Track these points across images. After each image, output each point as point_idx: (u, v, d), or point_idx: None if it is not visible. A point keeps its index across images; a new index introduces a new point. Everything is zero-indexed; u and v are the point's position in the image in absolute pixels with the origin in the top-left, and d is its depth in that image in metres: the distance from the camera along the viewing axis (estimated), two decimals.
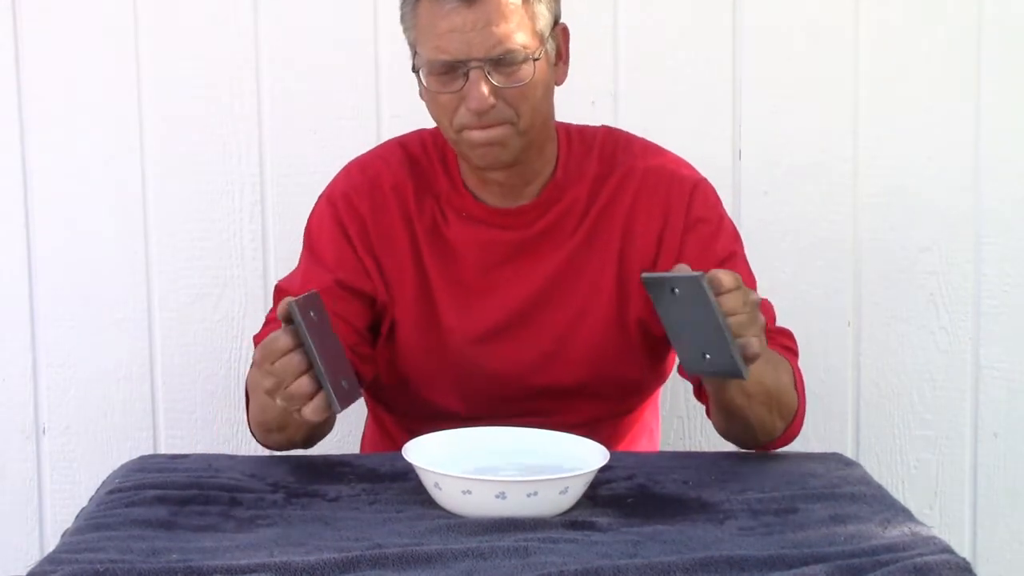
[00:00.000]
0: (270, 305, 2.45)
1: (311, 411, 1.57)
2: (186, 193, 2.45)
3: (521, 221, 1.91)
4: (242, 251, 2.46)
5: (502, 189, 1.90)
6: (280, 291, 1.92)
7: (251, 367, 1.82)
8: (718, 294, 1.56)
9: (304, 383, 1.55)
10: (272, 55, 2.43)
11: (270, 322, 1.92)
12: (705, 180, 1.95)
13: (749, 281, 1.87)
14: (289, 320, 1.56)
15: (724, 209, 1.96)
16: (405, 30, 1.84)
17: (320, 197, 1.97)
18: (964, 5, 2.42)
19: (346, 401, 1.58)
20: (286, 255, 2.42)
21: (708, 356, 1.57)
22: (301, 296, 1.56)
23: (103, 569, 1.38)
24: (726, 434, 1.88)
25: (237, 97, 2.43)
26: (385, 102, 2.40)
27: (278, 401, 1.59)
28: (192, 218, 2.45)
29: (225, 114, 2.43)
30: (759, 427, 1.81)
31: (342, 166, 2.00)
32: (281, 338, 1.55)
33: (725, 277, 1.57)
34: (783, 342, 1.89)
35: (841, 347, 2.49)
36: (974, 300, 2.48)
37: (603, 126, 2.00)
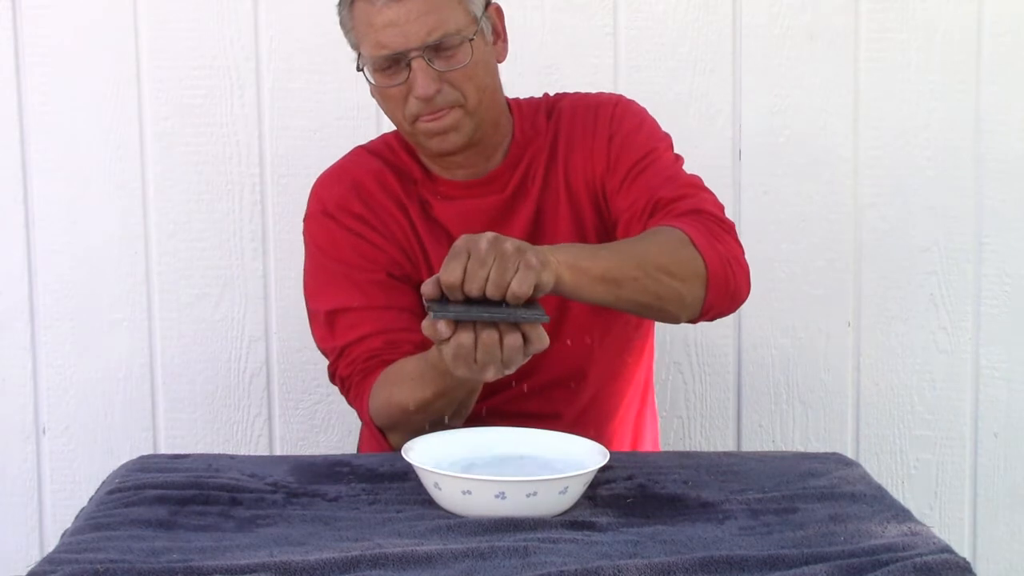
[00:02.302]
0: (270, 305, 2.47)
1: (538, 344, 1.60)
2: (186, 193, 2.45)
3: (495, 187, 1.97)
4: (242, 251, 2.46)
5: (465, 171, 1.96)
6: (332, 314, 1.92)
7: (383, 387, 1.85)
8: (448, 290, 1.58)
9: (511, 340, 1.58)
10: (272, 55, 2.43)
11: (340, 351, 1.92)
12: (627, 99, 2.01)
13: (671, 168, 1.91)
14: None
15: (649, 116, 2.00)
16: (345, 32, 1.91)
17: (310, 218, 1.99)
18: (964, 5, 2.42)
19: (537, 312, 1.60)
20: (286, 255, 2.42)
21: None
22: (426, 297, 1.60)
23: (103, 569, 1.38)
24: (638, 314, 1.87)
25: (237, 97, 2.43)
26: None
27: (505, 372, 1.61)
28: (192, 218, 2.45)
29: (225, 114, 2.43)
30: (659, 299, 1.76)
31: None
32: (462, 336, 1.58)
33: (434, 279, 1.59)
34: (687, 206, 1.86)
35: (841, 347, 2.49)
36: (974, 300, 2.48)
37: (545, 93, 2.05)
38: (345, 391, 1.94)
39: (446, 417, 1.81)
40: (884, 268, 2.48)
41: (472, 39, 1.85)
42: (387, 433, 1.88)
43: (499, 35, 1.95)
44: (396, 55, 1.84)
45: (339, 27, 1.92)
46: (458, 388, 1.77)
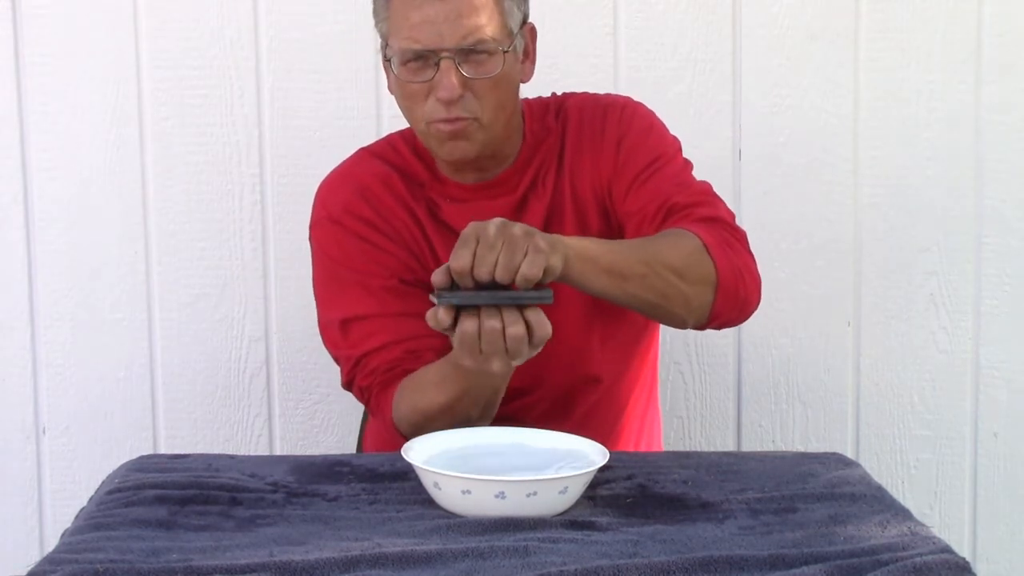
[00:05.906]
0: (270, 305, 2.47)
1: (540, 331, 1.62)
2: (186, 193, 2.45)
3: (505, 188, 1.96)
4: (242, 251, 2.46)
5: (475, 174, 1.95)
6: (347, 322, 1.91)
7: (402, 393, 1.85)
8: (457, 276, 1.59)
9: (515, 326, 1.60)
10: (272, 55, 2.43)
11: (357, 360, 1.90)
12: (636, 101, 2.00)
13: (681, 174, 1.92)
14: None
15: (658, 120, 1.99)
16: (378, 22, 1.89)
17: (316, 225, 1.97)
18: (964, 5, 2.42)
19: (544, 295, 1.62)
20: (286, 255, 2.42)
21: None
22: (436, 286, 1.61)
23: (103, 569, 1.38)
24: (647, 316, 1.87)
25: (237, 97, 2.43)
26: (385, 102, 2.40)
27: (512, 363, 1.64)
28: (192, 218, 2.45)
29: (225, 114, 2.43)
30: (665, 299, 1.75)
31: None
32: (465, 323, 1.61)
33: (444, 267, 1.60)
34: (702, 213, 1.86)
35: (841, 347, 2.49)
36: (974, 300, 2.48)
37: (553, 92, 2.04)
38: (365, 401, 1.93)
39: (473, 417, 1.80)
40: (884, 268, 2.48)
41: (506, 51, 1.84)
42: None
43: (528, 55, 1.93)
44: (426, 52, 1.82)
45: (372, 15, 1.89)
46: (481, 387, 1.76)
